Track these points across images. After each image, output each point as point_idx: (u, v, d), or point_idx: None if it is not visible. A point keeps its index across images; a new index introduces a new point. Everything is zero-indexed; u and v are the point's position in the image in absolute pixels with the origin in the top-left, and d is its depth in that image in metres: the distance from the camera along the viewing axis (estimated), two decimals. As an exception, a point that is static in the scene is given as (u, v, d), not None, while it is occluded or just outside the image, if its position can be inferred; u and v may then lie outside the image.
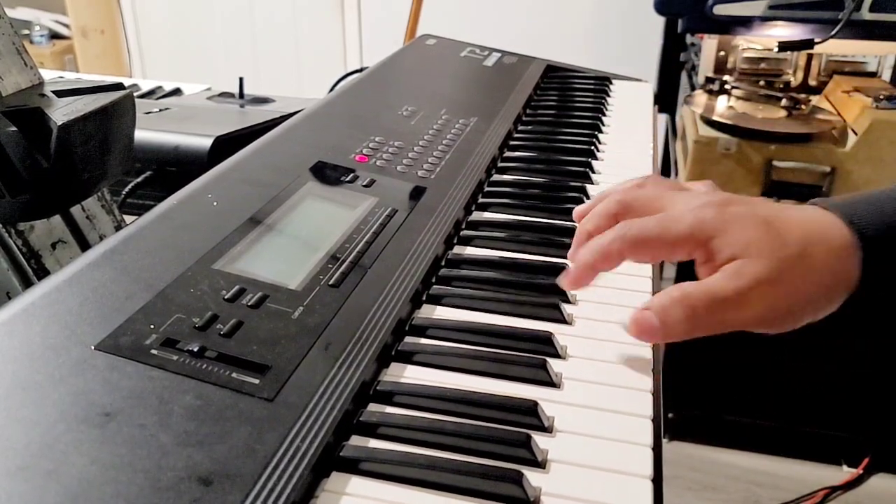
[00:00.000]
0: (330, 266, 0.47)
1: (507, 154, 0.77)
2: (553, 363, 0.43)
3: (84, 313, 0.38)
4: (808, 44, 1.34)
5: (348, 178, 0.60)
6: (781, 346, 1.34)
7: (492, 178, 0.70)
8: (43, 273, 0.55)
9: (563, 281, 0.47)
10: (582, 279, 0.46)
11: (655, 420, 0.40)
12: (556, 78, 1.06)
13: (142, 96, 1.14)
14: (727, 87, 1.54)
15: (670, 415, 1.55)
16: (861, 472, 1.51)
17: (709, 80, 1.59)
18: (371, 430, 0.38)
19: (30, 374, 0.34)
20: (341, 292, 0.45)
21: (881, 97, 1.37)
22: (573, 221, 0.62)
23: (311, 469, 0.33)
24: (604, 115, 0.91)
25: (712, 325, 0.41)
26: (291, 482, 0.32)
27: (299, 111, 0.74)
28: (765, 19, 1.39)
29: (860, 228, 0.42)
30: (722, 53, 1.62)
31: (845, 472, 1.52)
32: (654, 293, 0.52)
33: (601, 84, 1.03)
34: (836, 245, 0.42)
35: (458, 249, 0.57)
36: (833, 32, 1.32)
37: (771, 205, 0.45)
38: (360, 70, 1.15)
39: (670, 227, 0.43)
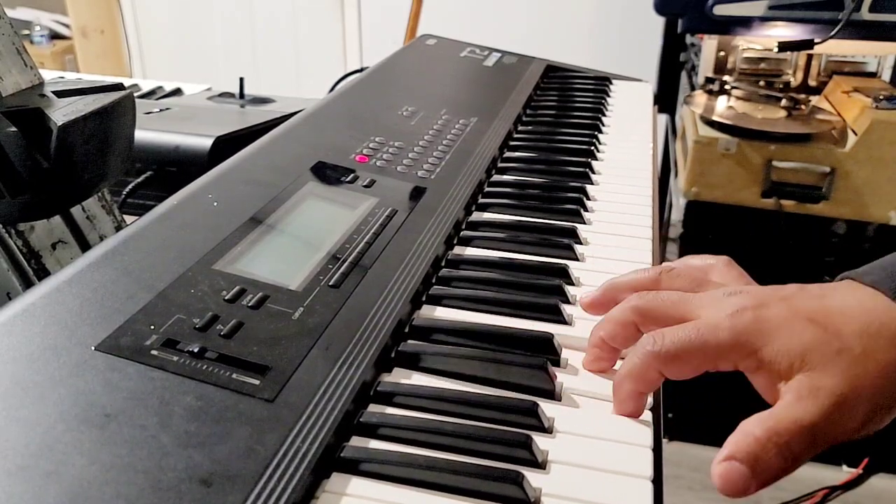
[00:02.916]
0: (330, 266, 0.47)
1: (507, 154, 0.77)
2: (553, 363, 0.43)
3: (84, 314, 0.38)
4: (808, 44, 1.34)
5: (348, 179, 0.60)
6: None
7: (492, 179, 0.71)
8: (43, 273, 0.55)
9: (614, 411, 0.42)
10: (632, 411, 0.41)
11: (655, 420, 0.40)
12: (556, 78, 1.06)
13: (142, 96, 1.14)
14: (727, 87, 1.54)
15: (670, 415, 1.55)
16: (861, 472, 1.51)
17: (709, 81, 1.60)
18: (371, 430, 0.38)
19: (30, 375, 0.34)
20: (342, 293, 0.45)
21: (881, 97, 1.37)
22: (573, 221, 0.62)
23: (311, 470, 0.33)
24: (604, 115, 0.91)
25: (805, 455, 0.36)
26: (292, 483, 0.32)
27: (299, 111, 0.74)
28: (765, 19, 1.39)
29: None
30: (722, 53, 1.62)
31: (845, 472, 1.52)
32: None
33: (601, 84, 1.03)
34: (895, 331, 0.38)
35: (458, 250, 0.57)
36: (833, 33, 1.32)
37: (808, 296, 0.40)
38: (360, 70, 1.15)
39: (708, 339, 0.39)
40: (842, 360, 0.37)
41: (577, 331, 0.48)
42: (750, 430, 0.36)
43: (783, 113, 1.45)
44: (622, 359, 0.44)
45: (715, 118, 1.43)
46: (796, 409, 0.36)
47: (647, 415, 0.40)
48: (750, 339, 0.38)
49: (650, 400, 0.41)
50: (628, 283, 0.47)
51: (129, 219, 0.62)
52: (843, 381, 0.36)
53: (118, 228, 0.62)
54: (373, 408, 0.39)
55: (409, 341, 0.45)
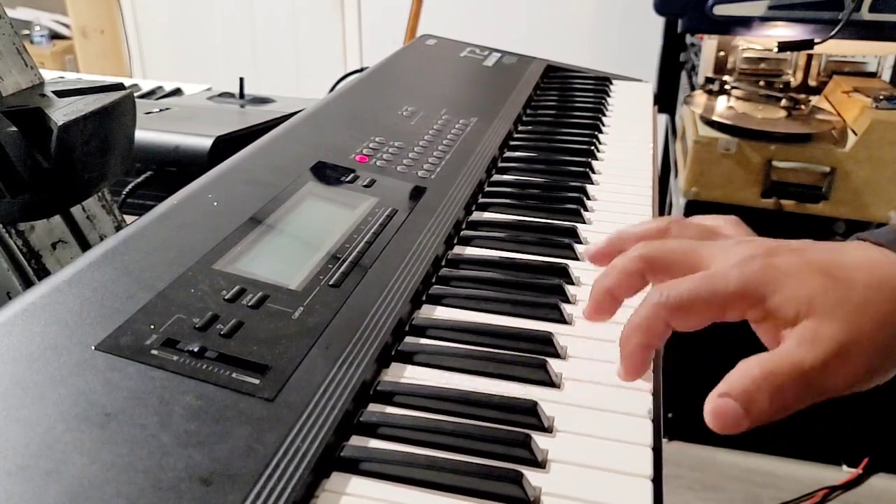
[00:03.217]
0: (330, 266, 0.47)
1: (507, 154, 0.77)
2: (553, 363, 0.43)
3: (84, 313, 0.38)
4: (808, 44, 1.34)
5: (348, 179, 0.60)
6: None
7: (492, 179, 0.71)
8: (43, 273, 0.55)
9: (620, 374, 0.42)
10: (638, 367, 0.41)
11: (655, 420, 0.40)
12: (556, 78, 1.06)
13: (142, 96, 1.14)
14: (727, 87, 1.54)
15: (670, 415, 1.55)
16: (861, 472, 1.51)
17: (709, 81, 1.59)
18: (371, 430, 0.38)
19: (30, 375, 0.34)
20: (341, 292, 0.45)
21: (881, 97, 1.37)
22: (573, 221, 0.62)
23: (311, 469, 0.33)
24: (604, 115, 0.91)
25: (802, 400, 0.36)
26: (292, 482, 0.32)
27: (299, 111, 0.74)
28: (765, 19, 1.39)
29: None
30: (722, 53, 1.62)
31: (845, 472, 1.52)
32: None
33: (601, 84, 1.03)
34: None
35: (458, 249, 0.57)
36: (833, 33, 1.32)
37: (819, 249, 0.40)
38: (360, 70, 1.15)
39: (716, 287, 0.38)
40: (844, 308, 0.36)
41: (577, 330, 0.48)
42: (747, 370, 0.36)
43: (783, 113, 1.45)
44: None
45: (715, 118, 1.43)
46: (796, 353, 0.36)
47: (647, 415, 0.40)
48: (758, 287, 0.38)
49: (650, 402, 0.41)
50: (636, 234, 0.46)
51: (129, 219, 0.62)
52: (845, 329, 0.36)
53: (118, 228, 0.62)
54: (373, 407, 0.40)
55: (409, 340, 0.45)
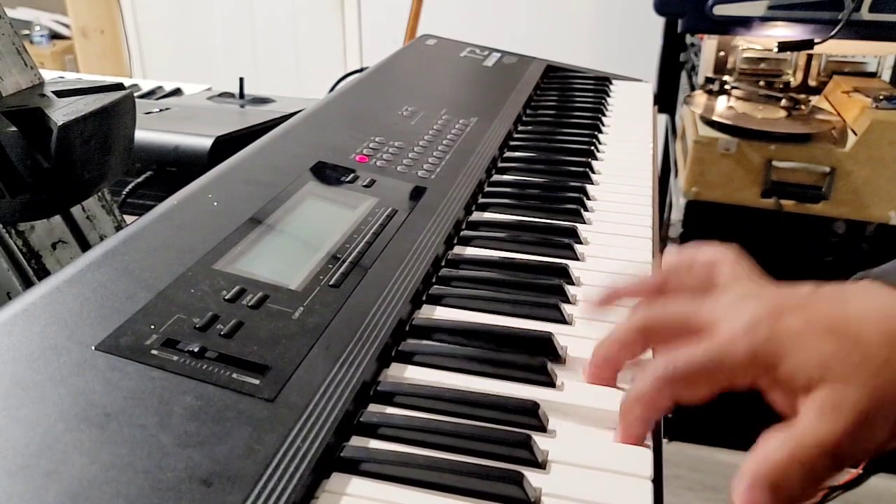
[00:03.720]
0: (330, 266, 0.47)
1: (507, 154, 0.77)
2: (553, 363, 0.43)
3: (84, 313, 0.38)
4: (808, 44, 1.34)
5: (348, 179, 0.60)
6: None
7: (492, 179, 0.71)
8: (43, 273, 0.55)
9: (617, 438, 0.39)
10: (638, 436, 0.39)
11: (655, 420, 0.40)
12: (556, 78, 1.06)
13: (142, 96, 1.14)
14: (727, 87, 1.54)
15: (670, 415, 1.55)
16: (861, 472, 1.51)
17: (709, 81, 1.59)
18: (371, 430, 0.38)
19: (30, 375, 0.34)
20: (341, 292, 0.45)
21: (881, 97, 1.37)
22: (573, 221, 0.62)
23: (311, 470, 0.33)
24: (604, 115, 0.91)
25: (831, 474, 0.34)
26: (292, 483, 0.32)
27: (299, 111, 0.74)
28: (765, 19, 1.39)
29: None
30: (722, 53, 1.62)
31: (845, 472, 1.52)
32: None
33: (601, 84, 1.03)
34: None
35: (458, 249, 0.57)
36: (833, 33, 1.32)
37: (825, 301, 0.38)
38: (360, 70, 1.15)
39: (722, 358, 0.37)
40: (863, 371, 0.35)
41: (577, 330, 0.48)
42: (772, 454, 0.34)
43: (783, 113, 1.45)
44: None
45: (715, 118, 1.43)
46: (818, 428, 0.34)
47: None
48: (767, 356, 0.36)
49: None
50: (632, 289, 0.45)
51: (129, 219, 0.62)
52: (866, 393, 0.34)
53: (118, 228, 0.62)
54: (373, 407, 0.39)
55: (409, 341, 0.45)
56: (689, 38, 1.80)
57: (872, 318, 0.36)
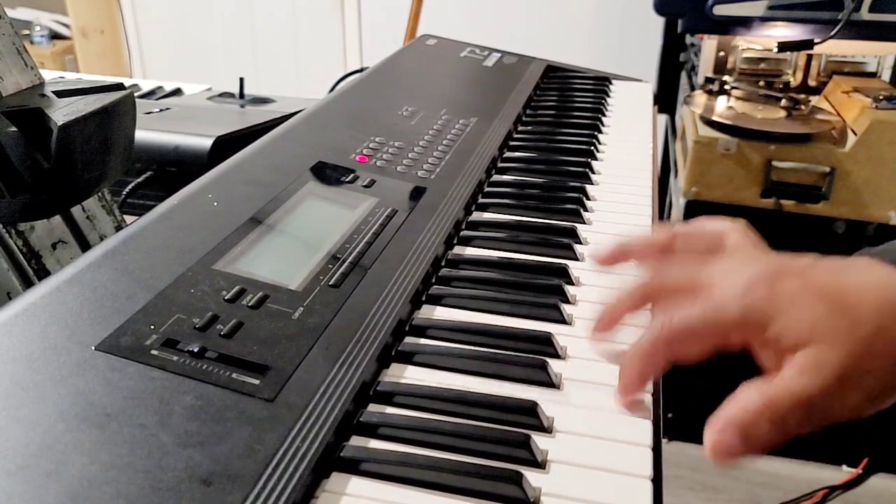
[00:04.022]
0: (330, 266, 0.47)
1: (507, 154, 0.77)
2: (553, 363, 0.43)
3: (84, 313, 0.38)
4: (808, 44, 1.34)
5: (348, 179, 0.60)
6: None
7: (492, 179, 0.71)
8: (43, 273, 0.55)
9: (616, 398, 0.41)
10: (635, 389, 0.41)
11: (655, 420, 0.40)
12: (556, 78, 1.06)
13: (142, 96, 1.14)
14: (727, 87, 1.54)
15: (670, 415, 1.55)
16: (861, 472, 1.51)
17: (708, 81, 1.59)
18: (371, 430, 0.38)
19: (30, 375, 0.34)
20: (341, 292, 0.45)
21: (881, 97, 1.37)
22: (573, 221, 0.62)
23: (311, 469, 0.33)
24: (603, 115, 0.91)
25: (799, 430, 0.36)
26: (292, 482, 0.32)
27: (299, 111, 0.74)
28: (764, 19, 1.39)
29: None
30: (722, 54, 1.62)
31: (845, 472, 1.52)
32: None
33: (601, 84, 1.03)
34: None
35: (458, 250, 0.57)
36: (833, 33, 1.32)
37: (825, 270, 0.39)
38: (360, 70, 1.15)
39: (718, 316, 0.38)
40: (850, 336, 0.36)
41: (577, 330, 0.48)
42: (748, 401, 0.36)
43: (783, 113, 1.45)
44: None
45: (715, 118, 1.43)
46: (796, 382, 0.36)
47: (647, 414, 0.40)
48: (759, 315, 0.38)
49: (650, 403, 0.41)
50: (642, 241, 0.47)
51: (129, 219, 0.63)
52: (848, 356, 0.35)
53: (118, 228, 0.62)
54: (373, 407, 0.40)
55: (409, 341, 0.45)
56: (689, 38, 1.80)
57: (868, 288, 0.37)
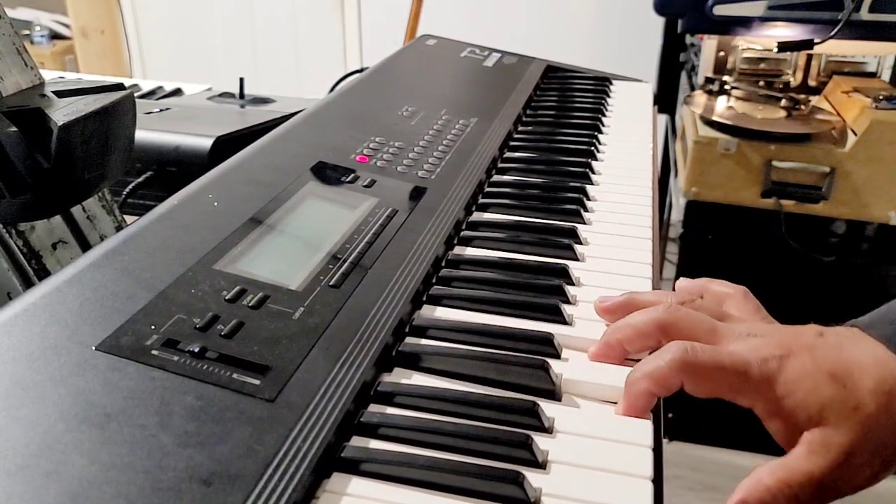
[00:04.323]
0: (330, 266, 0.47)
1: (508, 154, 0.77)
2: (553, 363, 0.43)
3: (85, 314, 0.38)
4: (808, 44, 1.34)
5: (349, 179, 0.60)
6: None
7: (492, 179, 0.71)
8: (44, 273, 0.55)
9: (619, 410, 0.41)
10: (641, 410, 0.41)
11: (655, 420, 0.40)
12: (556, 78, 1.06)
13: (142, 96, 1.14)
14: (727, 87, 1.54)
15: (670, 415, 1.55)
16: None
17: (708, 81, 1.59)
18: (372, 430, 0.38)
19: (30, 375, 0.34)
20: (342, 293, 0.45)
21: (881, 97, 1.37)
22: (573, 221, 0.62)
23: (311, 470, 0.33)
24: (604, 115, 0.91)
25: None
26: (292, 483, 0.32)
27: (299, 111, 0.74)
28: (764, 19, 1.39)
29: None
30: (722, 54, 1.62)
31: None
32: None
33: (601, 84, 1.03)
34: None
35: (458, 250, 0.57)
36: (833, 33, 1.32)
37: (827, 346, 0.41)
38: (360, 70, 1.15)
39: (740, 368, 0.40)
40: (855, 417, 0.38)
41: (577, 331, 0.48)
42: (762, 479, 0.38)
43: (783, 113, 1.45)
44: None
45: (715, 118, 1.43)
46: (807, 462, 0.38)
47: (648, 415, 0.40)
48: (775, 386, 0.40)
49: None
50: (650, 301, 0.47)
51: (129, 219, 0.62)
52: (855, 437, 0.38)
53: (118, 228, 0.62)
54: (373, 408, 0.40)
55: (410, 341, 0.45)
56: (689, 38, 1.80)
57: (867, 366, 0.40)
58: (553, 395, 0.41)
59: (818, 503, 0.38)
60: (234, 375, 0.36)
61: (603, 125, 0.88)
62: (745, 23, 1.41)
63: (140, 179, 0.76)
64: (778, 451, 0.41)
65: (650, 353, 0.42)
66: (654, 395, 0.41)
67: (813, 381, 0.40)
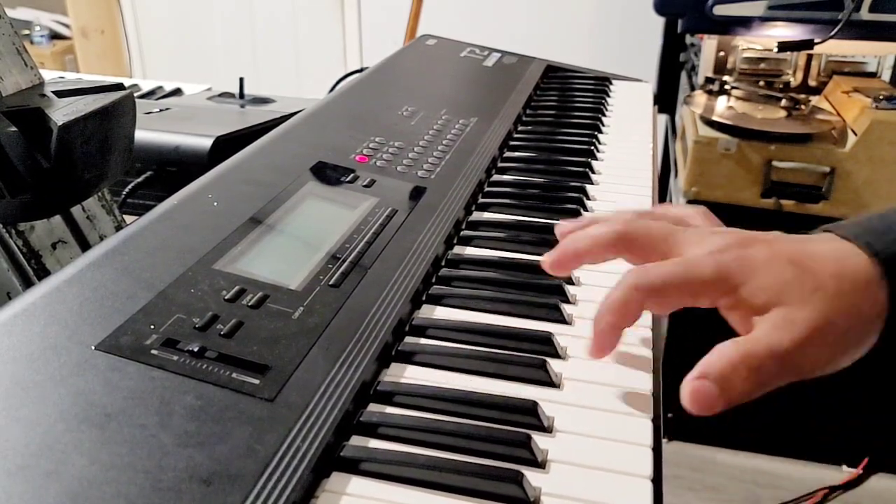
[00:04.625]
0: (330, 266, 0.47)
1: (507, 154, 0.77)
2: (553, 363, 0.43)
3: (84, 313, 0.38)
4: (808, 44, 1.34)
5: (348, 179, 0.60)
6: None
7: (492, 179, 0.71)
8: (43, 273, 0.55)
9: (589, 351, 0.43)
10: (607, 344, 0.42)
11: (655, 420, 0.40)
12: (556, 78, 1.06)
13: (142, 96, 1.14)
14: (727, 87, 1.54)
15: (670, 415, 1.55)
16: (861, 472, 1.51)
17: (708, 81, 1.59)
18: (371, 430, 0.38)
19: (30, 374, 0.34)
20: (341, 292, 0.45)
21: (881, 97, 1.37)
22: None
23: (311, 469, 0.33)
24: (604, 115, 0.91)
25: (774, 381, 0.38)
26: (292, 482, 0.32)
27: (299, 111, 0.74)
28: (765, 19, 1.39)
29: (883, 258, 0.40)
30: (722, 53, 1.62)
31: (845, 472, 1.52)
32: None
33: (601, 84, 1.03)
34: (863, 279, 0.40)
35: (458, 249, 0.57)
36: (833, 33, 1.32)
37: (789, 240, 0.42)
38: (360, 70, 1.15)
39: (691, 274, 0.40)
40: (816, 297, 0.39)
41: (577, 330, 0.48)
42: (725, 352, 0.38)
43: (783, 113, 1.45)
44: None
45: (715, 118, 1.43)
46: (771, 336, 0.38)
47: (647, 415, 0.40)
48: (731, 276, 0.40)
49: (650, 402, 0.41)
50: (608, 218, 0.47)
51: (129, 219, 0.62)
52: (817, 315, 0.38)
53: (118, 228, 0.62)
54: (373, 407, 0.40)
55: (409, 340, 0.45)
56: (689, 38, 1.80)
57: (831, 257, 0.40)
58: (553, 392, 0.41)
59: (779, 377, 0.38)
60: (234, 375, 0.36)
61: (603, 125, 0.88)
62: (745, 23, 1.41)
63: (140, 179, 0.76)
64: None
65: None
66: (619, 327, 0.42)
67: (771, 265, 0.40)
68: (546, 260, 0.46)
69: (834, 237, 0.42)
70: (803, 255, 0.41)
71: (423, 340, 0.46)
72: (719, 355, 0.38)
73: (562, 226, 0.49)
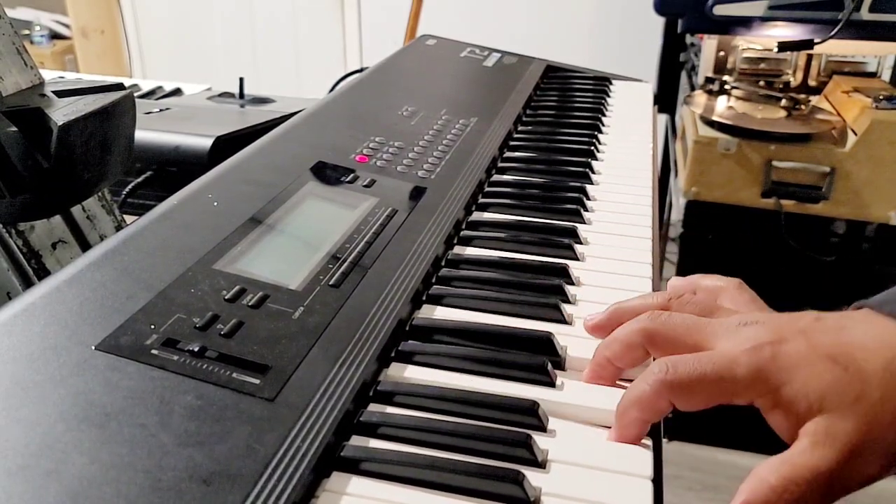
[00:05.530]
0: (330, 266, 0.47)
1: (507, 154, 0.77)
2: (553, 363, 0.43)
3: (84, 313, 0.38)
4: (808, 44, 1.34)
5: (348, 179, 0.60)
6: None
7: (492, 179, 0.71)
8: (43, 273, 0.55)
9: (613, 436, 0.39)
10: (633, 438, 0.39)
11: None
12: (556, 78, 1.06)
13: (142, 96, 1.14)
14: (727, 87, 1.54)
15: (670, 415, 1.55)
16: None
17: (709, 81, 1.60)
18: (371, 430, 0.38)
19: (30, 375, 0.34)
20: (342, 292, 0.45)
21: (881, 97, 1.37)
22: (573, 221, 0.62)
23: (311, 469, 0.33)
24: (604, 115, 0.91)
25: (820, 502, 0.35)
26: (292, 482, 0.32)
27: (299, 111, 0.74)
28: (765, 19, 1.39)
29: None
30: (722, 53, 1.62)
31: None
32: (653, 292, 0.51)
33: (601, 84, 1.03)
34: None
35: (458, 249, 0.57)
36: (833, 33, 1.32)
37: (827, 330, 0.38)
38: (360, 70, 1.15)
39: (724, 371, 0.37)
40: (860, 405, 0.35)
41: (577, 330, 0.48)
42: (765, 478, 0.35)
43: (783, 113, 1.46)
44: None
45: (715, 118, 1.43)
46: (812, 456, 0.35)
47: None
48: (769, 376, 0.37)
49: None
50: (635, 308, 0.44)
51: (129, 219, 0.62)
52: (861, 426, 0.35)
53: (118, 228, 0.62)
54: (373, 407, 0.40)
55: (409, 341, 0.45)
56: (689, 38, 1.80)
57: (872, 347, 0.37)
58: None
59: (827, 501, 0.35)
60: (234, 375, 0.36)
61: (603, 125, 0.88)
62: (745, 23, 1.41)
63: (140, 179, 0.76)
64: (779, 448, 0.39)
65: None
66: (646, 422, 0.39)
67: (811, 366, 0.36)
68: (585, 379, 0.43)
69: (874, 315, 0.39)
70: (844, 348, 0.37)
71: (424, 341, 0.46)
72: (759, 481, 0.35)
73: (590, 319, 0.46)
